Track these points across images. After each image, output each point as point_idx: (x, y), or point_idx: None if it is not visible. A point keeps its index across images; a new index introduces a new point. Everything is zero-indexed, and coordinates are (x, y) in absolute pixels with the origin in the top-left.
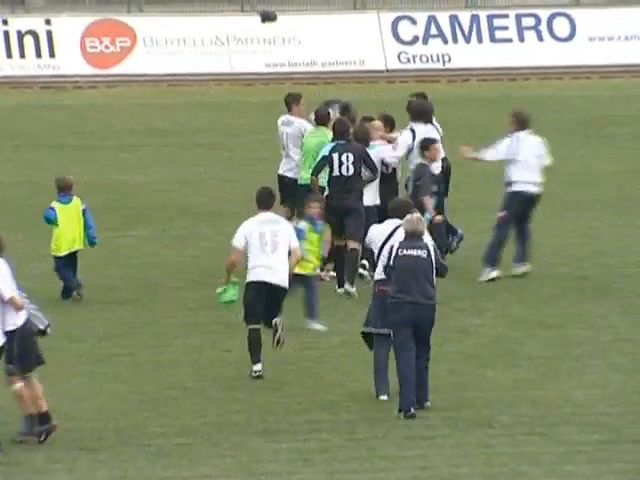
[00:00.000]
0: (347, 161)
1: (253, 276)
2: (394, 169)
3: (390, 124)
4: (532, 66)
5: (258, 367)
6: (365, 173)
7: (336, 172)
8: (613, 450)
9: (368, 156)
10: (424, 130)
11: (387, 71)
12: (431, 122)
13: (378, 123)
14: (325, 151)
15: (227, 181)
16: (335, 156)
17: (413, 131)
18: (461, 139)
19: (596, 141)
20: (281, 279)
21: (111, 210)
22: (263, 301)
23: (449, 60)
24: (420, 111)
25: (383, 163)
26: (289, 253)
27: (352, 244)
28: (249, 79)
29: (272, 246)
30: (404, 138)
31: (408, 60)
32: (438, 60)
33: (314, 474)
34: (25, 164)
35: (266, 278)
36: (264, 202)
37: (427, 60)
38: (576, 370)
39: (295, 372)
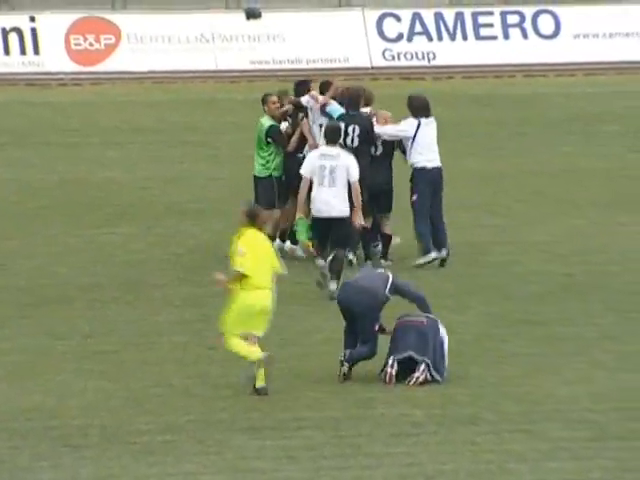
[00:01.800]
0: (353, 133)
1: (314, 211)
2: (384, 152)
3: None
4: (517, 63)
5: (333, 286)
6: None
7: (341, 141)
8: (597, 447)
9: (372, 131)
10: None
11: (372, 68)
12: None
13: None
14: (336, 113)
15: (212, 179)
16: (341, 126)
17: (419, 122)
18: (446, 136)
19: (581, 138)
20: (339, 210)
21: (96, 207)
22: (327, 234)
23: (434, 57)
24: (421, 106)
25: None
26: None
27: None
28: (234, 76)
29: (330, 180)
30: (410, 122)
31: (393, 57)
32: (423, 57)
33: (299, 471)
34: (10, 162)
35: (324, 214)
36: (329, 137)
37: (412, 57)
38: (560, 367)
39: (279, 369)
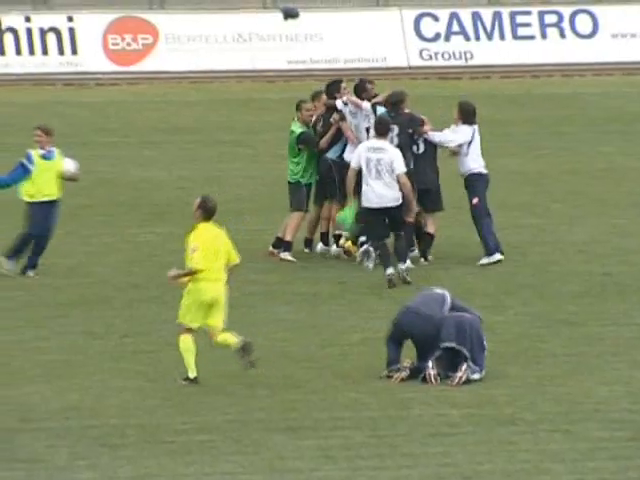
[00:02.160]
0: (392, 132)
1: (365, 201)
2: (427, 150)
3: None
4: (554, 63)
5: (390, 270)
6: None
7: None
8: (636, 447)
9: (414, 131)
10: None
11: (409, 68)
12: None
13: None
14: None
15: (248, 178)
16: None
17: (474, 129)
18: (484, 136)
19: (619, 138)
20: (391, 199)
21: (133, 207)
22: (381, 221)
23: (471, 57)
24: (473, 112)
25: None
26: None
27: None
28: (271, 76)
29: (376, 173)
30: (466, 129)
31: (430, 57)
32: (460, 57)
33: (336, 471)
34: None
35: (375, 205)
36: (378, 129)
37: (449, 57)
38: (599, 367)
39: (317, 369)
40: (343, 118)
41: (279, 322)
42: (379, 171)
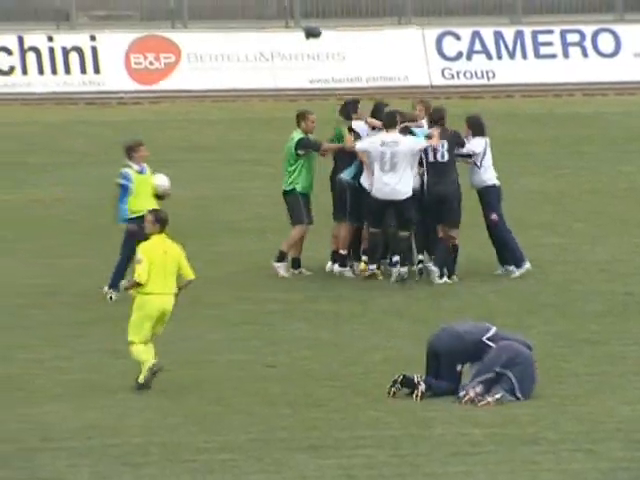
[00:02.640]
0: (442, 148)
1: (375, 191)
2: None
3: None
4: (576, 82)
5: (373, 267)
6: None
7: (431, 158)
8: None
9: (462, 143)
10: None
11: (431, 87)
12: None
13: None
14: (420, 133)
15: (268, 196)
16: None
17: (486, 141)
18: (504, 155)
19: None
20: (401, 193)
21: None
22: (384, 214)
23: (493, 76)
24: (483, 125)
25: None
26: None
27: (452, 232)
28: (293, 95)
29: (390, 165)
30: (479, 141)
31: (452, 76)
32: (482, 76)
33: None
34: (70, 180)
35: (384, 196)
36: (388, 122)
37: (471, 76)
38: (621, 386)
39: (339, 388)
40: (358, 138)
41: (300, 340)
42: (394, 164)
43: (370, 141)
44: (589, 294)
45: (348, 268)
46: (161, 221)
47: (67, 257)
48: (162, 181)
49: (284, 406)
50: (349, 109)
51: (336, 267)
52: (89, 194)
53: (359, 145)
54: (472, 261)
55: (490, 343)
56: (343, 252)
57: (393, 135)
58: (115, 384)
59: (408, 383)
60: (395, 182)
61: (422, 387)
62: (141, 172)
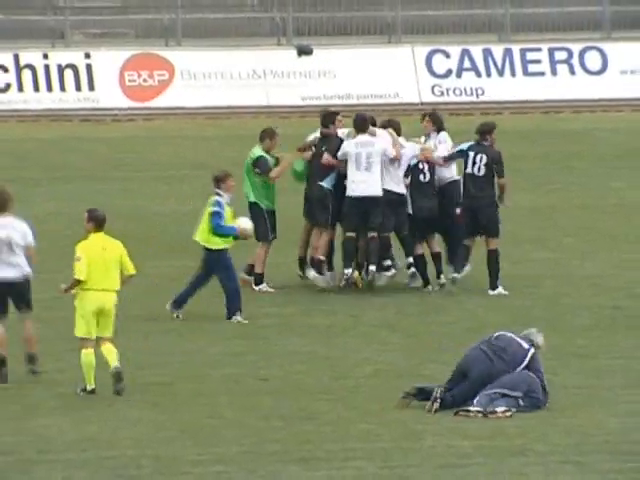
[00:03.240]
0: (480, 162)
1: (350, 191)
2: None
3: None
4: (564, 99)
5: (348, 271)
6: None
7: (469, 170)
8: None
9: (501, 162)
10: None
11: (421, 104)
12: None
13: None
14: (464, 146)
15: None
16: (471, 154)
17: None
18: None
19: (628, 173)
20: (375, 190)
21: (149, 241)
22: (358, 215)
23: (482, 93)
24: (442, 118)
25: (420, 170)
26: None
27: (492, 244)
28: (285, 112)
29: (366, 165)
30: (446, 136)
31: (442, 93)
32: (471, 93)
33: None
34: (64, 196)
35: (359, 193)
36: (359, 126)
37: (460, 93)
38: (609, 399)
39: (330, 401)
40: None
41: (293, 354)
42: (370, 163)
43: (344, 148)
44: (578, 308)
45: (323, 276)
46: (95, 219)
47: (59, 272)
48: (245, 224)
49: (277, 419)
50: (328, 120)
51: (312, 273)
52: (84, 209)
53: (340, 153)
54: (463, 276)
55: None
56: (322, 258)
57: (367, 137)
58: (110, 397)
59: (423, 394)
60: (369, 180)
61: (437, 405)
62: (228, 204)
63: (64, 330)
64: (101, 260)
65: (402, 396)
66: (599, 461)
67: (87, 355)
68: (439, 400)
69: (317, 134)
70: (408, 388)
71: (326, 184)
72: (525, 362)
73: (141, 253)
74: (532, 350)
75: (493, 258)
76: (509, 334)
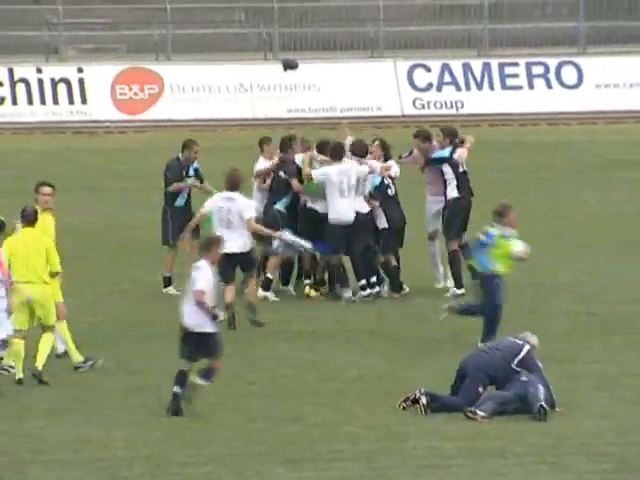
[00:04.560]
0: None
1: (337, 219)
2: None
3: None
4: (541, 112)
5: (348, 294)
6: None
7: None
8: (621, 479)
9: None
10: None
11: (403, 116)
12: None
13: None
14: (446, 153)
15: None
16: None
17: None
18: (473, 182)
19: (603, 185)
20: (356, 213)
21: (143, 249)
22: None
23: (462, 106)
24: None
25: (387, 185)
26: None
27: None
28: (271, 124)
29: (348, 191)
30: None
31: (423, 106)
32: (451, 106)
33: None
34: (61, 206)
35: (346, 219)
36: (335, 154)
37: (441, 106)
38: (584, 402)
39: (316, 404)
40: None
41: (279, 359)
42: (351, 188)
43: (323, 172)
44: (554, 314)
45: (270, 292)
46: (24, 216)
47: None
48: (519, 248)
49: (264, 421)
50: (286, 145)
51: (260, 291)
52: (78, 219)
53: (315, 173)
54: (432, 280)
55: (518, 369)
56: (270, 276)
57: (344, 165)
58: (103, 400)
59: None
60: (352, 205)
61: (423, 400)
62: (504, 237)
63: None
64: (22, 254)
65: (403, 400)
66: (575, 462)
67: (16, 345)
68: (424, 398)
69: (268, 162)
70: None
71: (279, 206)
72: (522, 354)
73: (135, 261)
74: (527, 346)
75: (452, 259)
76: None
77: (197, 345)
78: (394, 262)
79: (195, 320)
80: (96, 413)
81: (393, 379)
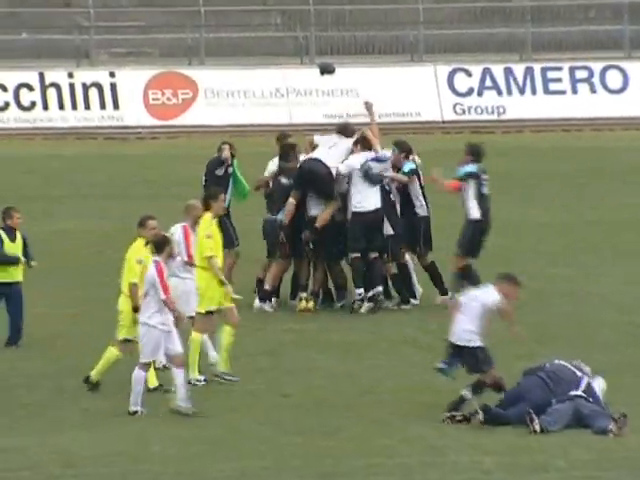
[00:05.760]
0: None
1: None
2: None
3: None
4: (585, 117)
5: (360, 291)
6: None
7: (484, 190)
8: None
9: None
10: None
11: (443, 122)
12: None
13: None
14: (472, 169)
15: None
16: (483, 176)
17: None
18: (514, 188)
19: None
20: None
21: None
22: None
23: (503, 111)
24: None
25: (388, 191)
26: None
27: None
28: (308, 130)
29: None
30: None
31: (463, 111)
32: (493, 112)
33: None
34: (89, 213)
35: (370, 206)
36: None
37: (482, 111)
38: (629, 415)
39: (352, 417)
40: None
41: (315, 370)
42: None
43: (348, 165)
44: (595, 324)
45: (267, 302)
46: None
47: (88, 289)
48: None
49: (298, 434)
50: (287, 153)
51: (257, 302)
52: (109, 227)
53: (341, 167)
54: None
55: (578, 394)
56: (268, 288)
57: (367, 153)
58: (134, 415)
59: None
60: (377, 195)
61: (480, 416)
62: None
63: (88, 345)
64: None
65: (448, 416)
66: (618, 476)
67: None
68: (480, 414)
69: (273, 166)
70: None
71: (281, 216)
72: (582, 387)
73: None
74: (586, 378)
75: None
76: (562, 362)
77: (465, 359)
78: (394, 269)
79: (463, 335)
80: (127, 426)
81: (432, 391)
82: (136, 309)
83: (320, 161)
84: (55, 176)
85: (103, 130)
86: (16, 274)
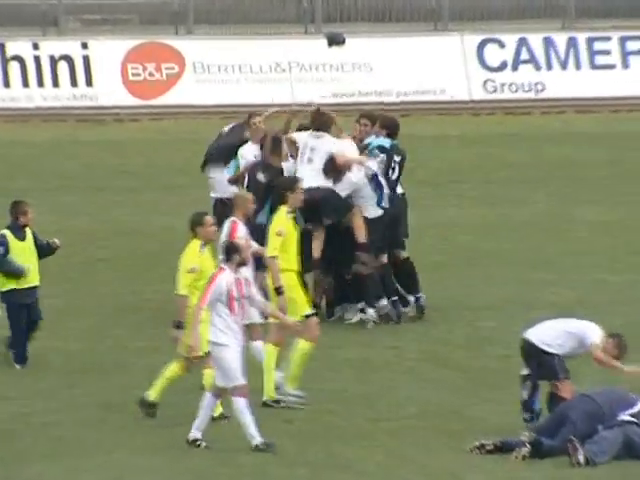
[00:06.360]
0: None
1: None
2: None
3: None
4: (637, 96)
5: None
6: None
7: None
8: None
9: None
10: None
11: (471, 102)
12: None
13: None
14: (385, 143)
15: None
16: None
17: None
18: (556, 179)
19: None
20: None
21: (155, 260)
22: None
23: (542, 89)
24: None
25: None
26: None
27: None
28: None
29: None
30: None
31: (495, 89)
32: (530, 89)
33: None
34: (58, 208)
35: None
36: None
37: (517, 89)
38: None
39: (367, 447)
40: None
41: (325, 392)
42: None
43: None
44: None
45: None
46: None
47: (55, 297)
48: None
49: (302, 466)
50: (276, 147)
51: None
52: (82, 224)
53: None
54: (508, 302)
55: (627, 419)
56: None
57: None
58: (110, 442)
59: (505, 448)
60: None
61: (526, 449)
62: None
63: (57, 363)
64: None
65: (477, 446)
66: None
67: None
68: (528, 446)
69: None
70: (489, 440)
71: (262, 219)
72: (637, 407)
73: (145, 275)
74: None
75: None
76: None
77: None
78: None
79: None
80: (103, 457)
81: (459, 417)
82: (179, 325)
83: (317, 188)
84: (18, 166)
85: (75, 111)
86: (33, 277)
